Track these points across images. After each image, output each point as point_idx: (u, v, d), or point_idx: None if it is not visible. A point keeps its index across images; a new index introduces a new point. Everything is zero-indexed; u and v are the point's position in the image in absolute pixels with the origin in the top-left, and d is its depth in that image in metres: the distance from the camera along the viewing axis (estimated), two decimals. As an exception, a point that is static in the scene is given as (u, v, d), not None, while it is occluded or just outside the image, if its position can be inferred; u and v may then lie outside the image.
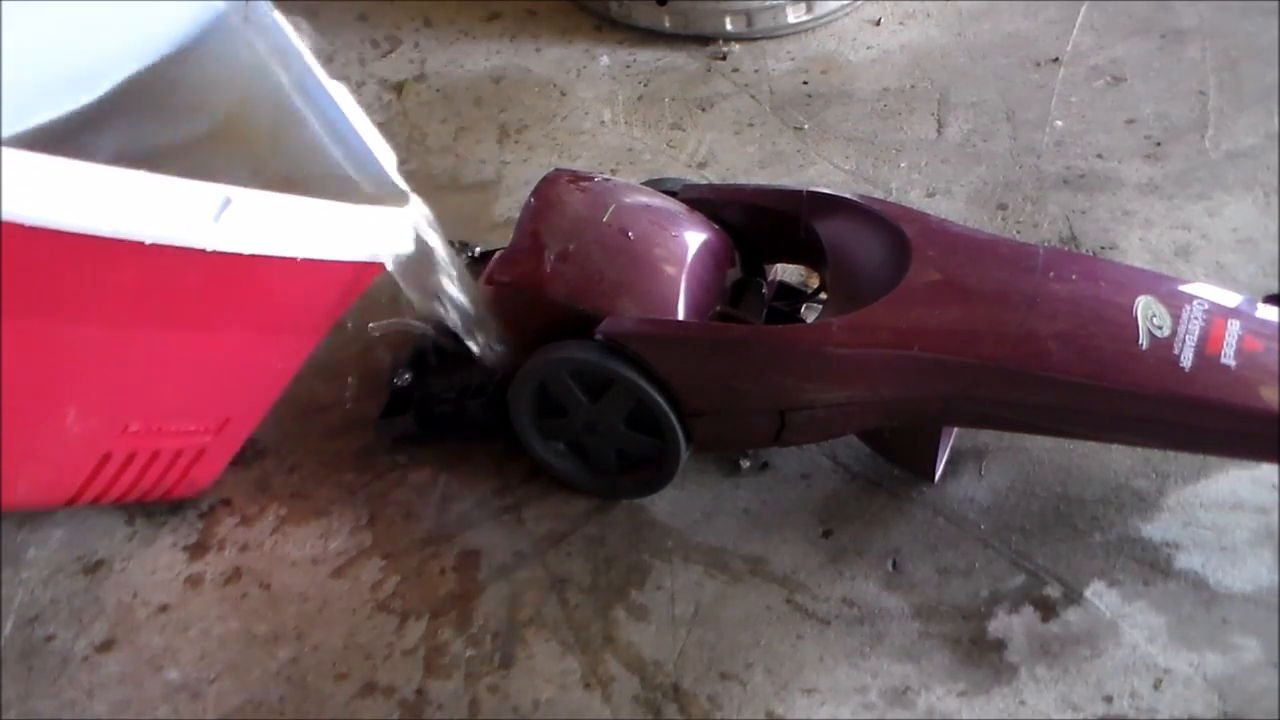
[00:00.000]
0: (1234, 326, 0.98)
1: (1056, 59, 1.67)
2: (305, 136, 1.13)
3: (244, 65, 1.13)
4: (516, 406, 1.12)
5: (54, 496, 1.03)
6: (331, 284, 1.08)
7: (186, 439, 1.09)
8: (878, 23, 1.81)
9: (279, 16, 1.14)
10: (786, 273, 1.26)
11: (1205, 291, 1.01)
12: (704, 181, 1.26)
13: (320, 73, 1.14)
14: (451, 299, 1.12)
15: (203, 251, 0.92)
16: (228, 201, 0.92)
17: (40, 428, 0.97)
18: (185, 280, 0.95)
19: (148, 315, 0.96)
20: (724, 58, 1.76)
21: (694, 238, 1.12)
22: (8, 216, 0.82)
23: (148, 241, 0.89)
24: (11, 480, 0.99)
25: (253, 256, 0.95)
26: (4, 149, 0.81)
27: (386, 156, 1.14)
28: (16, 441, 0.97)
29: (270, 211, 0.96)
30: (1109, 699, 0.95)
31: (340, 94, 1.14)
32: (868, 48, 1.75)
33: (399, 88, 1.76)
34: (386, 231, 1.06)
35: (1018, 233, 1.40)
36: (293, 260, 0.99)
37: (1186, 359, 0.95)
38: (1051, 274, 1.02)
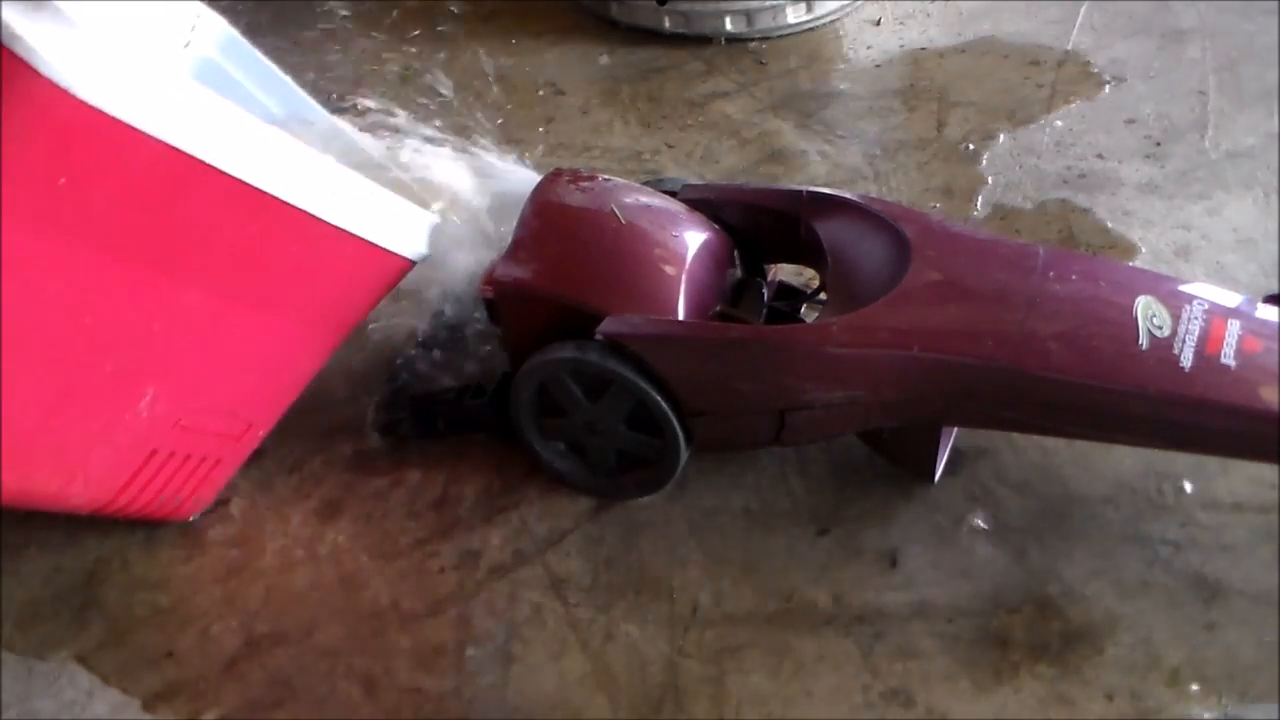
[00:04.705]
0: (1234, 326, 0.98)
1: (1057, 59, 1.68)
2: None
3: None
4: (517, 406, 1.12)
5: (98, 497, 1.03)
6: (382, 277, 1.11)
7: (216, 443, 1.10)
8: (878, 23, 1.81)
9: (255, 50, 1.16)
10: (786, 273, 1.26)
11: (1205, 291, 1.01)
12: (704, 181, 1.26)
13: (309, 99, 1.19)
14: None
15: (312, 218, 0.98)
16: (335, 171, 0.99)
17: (123, 406, 0.98)
18: (280, 245, 0.99)
19: (238, 285, 0.99)
20: (725, 57, 1.76)
21: (694, 238, 1.12)
22: (184, 146, 0.85)
23: (279, 196, 0.94)
24: (76, 473, 0.99)
25: (341, 231, 1.01)
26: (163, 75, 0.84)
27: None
28: (98, 422, 0.97)
29: (365, 193, 1.03)
30: (1109, 698, 0.95)
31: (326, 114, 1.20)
32: (868, 48, 1.76)
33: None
34: (426, 231, 1.11)
35: (1018, 233, 1.40)
36: (366, 243, 1.04)
37: (1186, 359, 0.95)
38: (1051, 274, 1.02)
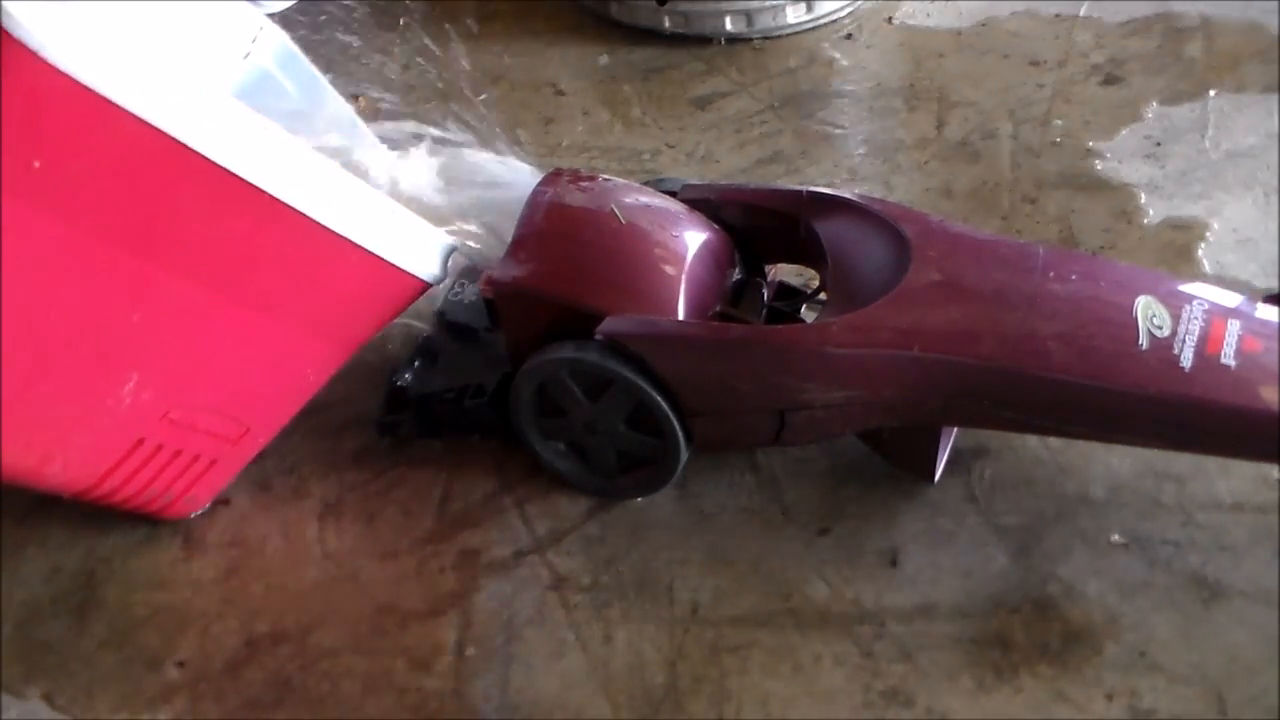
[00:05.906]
0: (1234, 326, 0.98)
1: (1057, 59, 1.68)
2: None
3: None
4: (516, 406, 1.12)
5: (79, 480, 1.02)
6: (395, 296, 1.10)
7: (209, 442, 1.09)
8: (888, 20, 1.81)
9: (311, 66, 1.18)
10: (786, 273, 1.26)
11: (1205, 291, 1.01)
12: (704, 181, 1.26)
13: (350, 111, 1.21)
14: None
15: (321, 227, 0.97)
16: (349, 183, 0.99)
17: (105, 390, 0.97)
18: (285, 251, 0.98)
19: (235, 284, 0.99)
20: (725, 57, 1.76)
21: (694, 238, 1.12)
22: (176, 134, 0.85)
23: (283, 199, 0.93)
24: (54, 452, 0.98)
25: (352, 244, 1.00)
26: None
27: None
28: (78, 403, 0.96)
29: (380, 208, 1.02)
30: (1109, 698, 0.95)
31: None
32: (868, 47, 1.76)
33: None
34: (443, 254, 1.10)
35: (1018, 233, 1.40)
36: (380, 260, 1.03)
37: (1186, 359, 0.95)
38: (1051, 274, 1.02)
